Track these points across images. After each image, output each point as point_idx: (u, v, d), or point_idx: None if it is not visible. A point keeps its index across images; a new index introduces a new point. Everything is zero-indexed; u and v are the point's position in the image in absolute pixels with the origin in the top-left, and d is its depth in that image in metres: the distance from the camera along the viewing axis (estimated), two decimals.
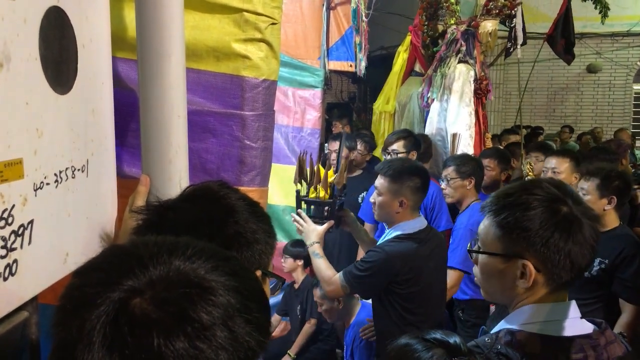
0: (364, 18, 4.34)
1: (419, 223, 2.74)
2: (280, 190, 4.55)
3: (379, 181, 2.79)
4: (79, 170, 1.13)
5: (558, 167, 3.78)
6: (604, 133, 10.46)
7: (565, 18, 6.92)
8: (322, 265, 2.80)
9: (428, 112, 5.33)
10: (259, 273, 1.07)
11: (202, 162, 1.53)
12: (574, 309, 1.38)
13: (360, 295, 3.23)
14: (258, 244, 1.08)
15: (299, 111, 4.59)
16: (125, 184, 1.40)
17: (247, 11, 1.47)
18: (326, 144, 4.97)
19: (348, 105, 11.83)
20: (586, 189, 3.06)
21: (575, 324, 1.35)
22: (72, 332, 0.65)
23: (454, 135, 4.63)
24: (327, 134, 6.29)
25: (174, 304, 0.65)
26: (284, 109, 4.55)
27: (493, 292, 1.46)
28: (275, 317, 4.56)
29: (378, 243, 2.88)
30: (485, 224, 1.43)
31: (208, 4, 1.47)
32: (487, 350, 1.34)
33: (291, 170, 4.52)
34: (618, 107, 11.46)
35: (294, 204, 4.50)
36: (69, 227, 1.10)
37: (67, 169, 1.08)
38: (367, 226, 4.49)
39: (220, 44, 1.48)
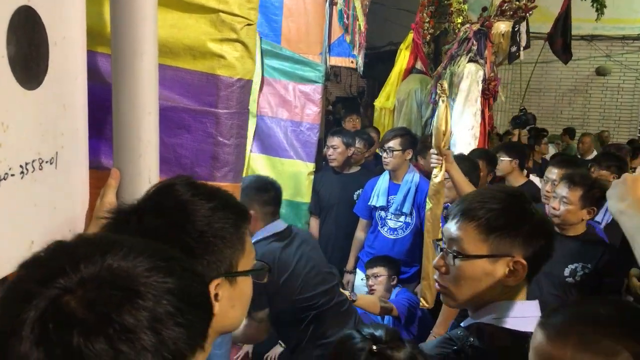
0: (360, 16, 4.34)
1: (274, 227, 2.93)
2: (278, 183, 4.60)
3: None
4: (47, 162, 1.18)
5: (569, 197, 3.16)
6: (611, 137, 10.42)
7: (565, 17, 6.90)
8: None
9: (429, 109, 5.36)
10: (218, 281, 1.07)
11: (177, 157, 1.58)
12: (537, 308, 1.47)
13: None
14: (220, 248, 1.08)
15: (299, 106, 4.61)
16: (103, 176, 1.45)
17: (223, 12, 1.51)
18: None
19: (355, 99, 11.83)
20: (568, 198, 2.94)
21: None
22: (7, 324, 0.67)
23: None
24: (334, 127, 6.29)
25: (99, 305, 0.67)
26: (284, 103, 4.59)
27: (468, 295, 1.49)
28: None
29: None
30: (462, 229, 1.47)
31: (185, 4, 1.51)
32: (460, 342, 1.41)
33: (289, 163, 4.59)
34: (626, 110, 11.38)
35: (291, 197, 4.58)
36: (35, 217, 1.15)
37: (33, 161, 1.13)
38: (362, 222, 4.56)
39: (197, 42, 1.53)
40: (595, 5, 8.21)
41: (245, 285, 1.15)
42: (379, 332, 1.43)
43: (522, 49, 4.90)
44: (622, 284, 3.14)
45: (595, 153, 7.53)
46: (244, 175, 4.51)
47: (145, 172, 1.34)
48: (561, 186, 3.02)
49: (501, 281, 1.42)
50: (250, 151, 4.55)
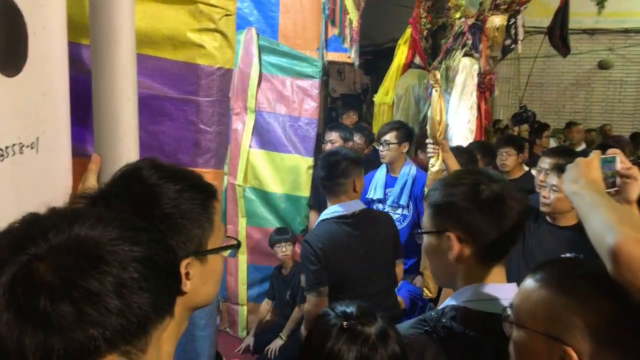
0: (352, 10, 4.38)
1: (347, 207, 2.89)
2: (277, 178, 4.66)
3: None
4: (27, 147, 1.23)
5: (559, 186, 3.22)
6: (613, 130, 10.40)
7: (564, 10, 6.91)
8: None
9: (427, 104, 5.39)
10: (188, 261, 1.09)
11: (160, 144, 1.63)
12: (513, 290, 1.47)
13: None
14: (189, 228, 1.09)
15: (297, 101, 4.66)
16: (88, 163, 1.50)
17: (201, 3, 1.57)
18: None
19: (358, 96, 11.85)
20: (558, 186, 2.93)
21: None
22: None
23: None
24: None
25: (65, 270, 0.72)
26: (282, 98, 4.64)
27: (437, 272, 1.59)
28: (267, 302, 4.68)
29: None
30: (425, 209, 1.55)
31: None
32: (432, 323, 1.45)
33: (287, 158, 4.65)
34: (629, 104, 11.33)
35: (290, 192, 4.64)
36: (15, 198, 1.20)
37: (14, 145, 1.18)
38: None
39: (177, 32, 1.58)
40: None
41: (215, 262, 1.18)
42: (350, 309, 1.47)
43: (519, 42, 4.91)
44: None
45: (584, 146, 7.53)
46: (243, 171, 4.59)
47: (124, 156, 1.39)
48: (551, 175, 3.04)
49: (449, 257, 1.46)
50: (250, 146, 4.61)
